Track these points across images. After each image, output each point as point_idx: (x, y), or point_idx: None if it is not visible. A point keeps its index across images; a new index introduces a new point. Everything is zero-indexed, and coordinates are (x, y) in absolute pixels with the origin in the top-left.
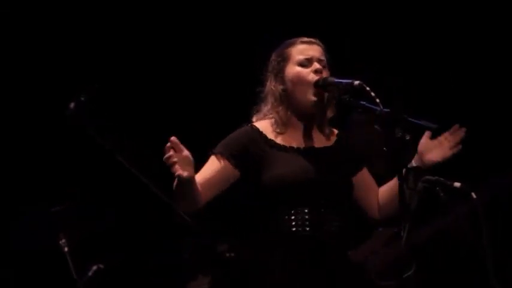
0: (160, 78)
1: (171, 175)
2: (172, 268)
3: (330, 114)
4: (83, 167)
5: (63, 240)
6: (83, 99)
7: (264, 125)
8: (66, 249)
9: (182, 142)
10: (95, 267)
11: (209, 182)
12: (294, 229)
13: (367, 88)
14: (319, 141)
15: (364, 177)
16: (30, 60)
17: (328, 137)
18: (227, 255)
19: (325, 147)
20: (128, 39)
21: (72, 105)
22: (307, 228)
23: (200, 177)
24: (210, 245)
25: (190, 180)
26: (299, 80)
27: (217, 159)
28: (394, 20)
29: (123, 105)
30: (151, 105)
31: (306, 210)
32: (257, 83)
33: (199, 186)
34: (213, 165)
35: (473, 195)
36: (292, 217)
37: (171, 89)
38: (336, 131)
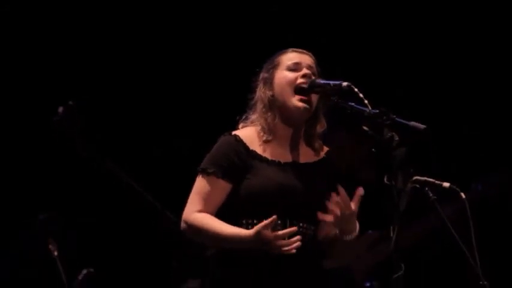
0: (150, 86)
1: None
2: (163, 272)
3: (320, 128)
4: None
5: (53, 246)
6: (71, 103)
7: (248, 133)
8: (55, 253)
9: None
10: (85, 271)
11: (216, 206)
12: None
13: (356, 89)
14: (305, 156)
15: None
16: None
17: (316, 152)
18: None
19: (308, 164)
20: (120, 51)
21: (60, 109)
22: None
23: (210, 206)
24: (198, 251)
25: None
26: (286, 84)
27: (214, 181)
28: (390, 21)
29: (111, 113)
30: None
31: (279, 222)
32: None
33: (209, 213)
34: (213, 189)
35: (462, 195)
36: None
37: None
38: (326, 148)
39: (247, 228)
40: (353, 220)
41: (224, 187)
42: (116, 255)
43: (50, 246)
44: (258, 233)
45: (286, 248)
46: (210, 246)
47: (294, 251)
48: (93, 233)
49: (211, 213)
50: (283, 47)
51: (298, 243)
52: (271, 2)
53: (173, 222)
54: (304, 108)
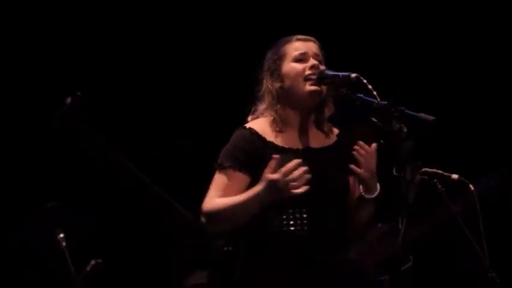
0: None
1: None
2: (171, 263)
3: (328, 112)
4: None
5: (61, 236)
6: (79, 93)
7: (261, 125)
8: (64, 244)
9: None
10: (93, 262)
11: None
12: (292, 228)
13: (364, 81)
14: (318, 141)
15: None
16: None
17: (327, 136)
18: (225, 248)
19: (322, 148)
20: (121, 45)
21: (68, 100)
22: (305, 228)
23: (229, 196)
24: (207, 241)
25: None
26: (295, 75)
27: (231, 174)
28: (391, 18)
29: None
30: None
31: (304, 210)
32: (251, 84)
33: None
34: (231, 182)
35: (471, 186)
36: (291, 216)
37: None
38: (336, 130)
39: (274, 224)
40: (375, 177)
41: (242, 179)
42: (124, 246)
43: (58, 237)
44: (265, 178)
45: (295, 185)
46: (234, 227)
47: (303, 189)
48: (102, 224)
49: None
50: None
51: (304, 170)
52: (271, 2)
53: (181, 213)
54: (316, 90)
